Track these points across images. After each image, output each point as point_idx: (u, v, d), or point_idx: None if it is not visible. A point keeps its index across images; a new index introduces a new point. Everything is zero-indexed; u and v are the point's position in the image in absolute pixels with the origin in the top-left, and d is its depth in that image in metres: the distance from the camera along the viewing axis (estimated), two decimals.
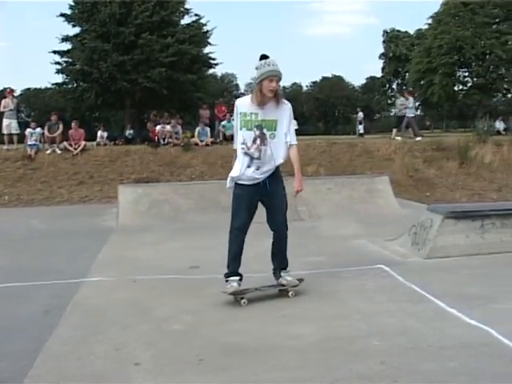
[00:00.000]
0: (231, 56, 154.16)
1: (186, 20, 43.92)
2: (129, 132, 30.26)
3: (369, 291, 7.26)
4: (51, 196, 19.26)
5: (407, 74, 64.70)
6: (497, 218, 9.43)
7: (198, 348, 5.41)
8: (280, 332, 5.79)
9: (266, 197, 7.02)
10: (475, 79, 54.17)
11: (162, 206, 14.11)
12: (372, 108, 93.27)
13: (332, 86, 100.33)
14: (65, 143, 22.49)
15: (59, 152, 22.06)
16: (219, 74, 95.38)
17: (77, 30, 41.24)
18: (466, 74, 56.37)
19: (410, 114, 26.85)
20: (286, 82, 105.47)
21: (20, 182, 20.04)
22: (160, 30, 39.40)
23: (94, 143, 26.51)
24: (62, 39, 41.32)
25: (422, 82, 56.10)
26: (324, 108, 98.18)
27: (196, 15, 43.94)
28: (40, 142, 23.00)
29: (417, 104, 26.61)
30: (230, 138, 24.50)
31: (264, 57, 6.79)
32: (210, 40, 44.10)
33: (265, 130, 6.74)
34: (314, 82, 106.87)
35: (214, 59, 45.59)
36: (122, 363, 5.14)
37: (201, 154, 21.58)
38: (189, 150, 21.97)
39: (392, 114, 25.51)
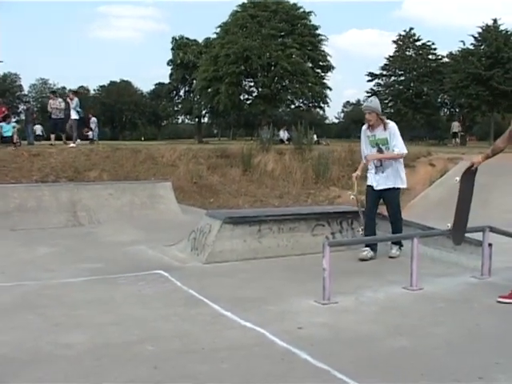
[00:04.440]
0: (15, 56, 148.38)
1: None
2: None
3: (145, 297, 7.19)
4: None
5: (195, 81, 65.46)
6: (273, 224, 9.72)
7: None
8: (51, 341, 5.55)
9: None
10: (260, 89, 55.93)
11: None
12: (159, 114, 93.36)
13: (120, 91, 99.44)
14: None
15: None
16: (1, 74, 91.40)
17: None
18: (252, 83, 58.06)
19: (75, 115, 25.37)
20: (72, 85, 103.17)
21: None
22: None
23: None
24: None
25: (209, 90, 56.99)
26: (111, 113, 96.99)
27: None
28: None
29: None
30: (8, 141, 23.47)
31: (375, 93, 8.95)
32: None
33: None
34: (102, 87, 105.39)
35: None
36: None
37: None
38: None
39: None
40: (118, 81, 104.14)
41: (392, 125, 9.45)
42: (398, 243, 9.67)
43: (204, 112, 70.34)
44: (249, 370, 4.88)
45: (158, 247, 10.28)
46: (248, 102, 58.39)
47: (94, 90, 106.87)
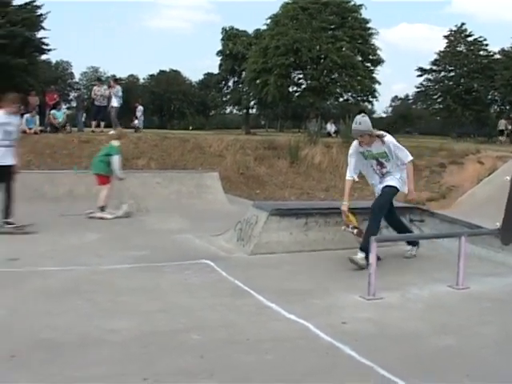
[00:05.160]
0: (67, 44, 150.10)
1: (18, 1, 42.18)
2: None
3: (191, 286, 7.27)
4: None
5: (244, 72, 65.52)
6: (320, 217, 9.71)
7: (11, 343, 5.17)
8: (99, 327, 5.65)
9: None
10: (309, 82, 55.69)
11: None
12: (207, 104, 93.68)
13: (169, 81, 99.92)
14: None
15: None
16: (53, 61, 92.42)
17: None
18: (301, 76, 57.84)
19: (115, 103, 24.98)
20: (122, 73, 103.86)
21: None
22: None
23: None
24: None
25: (257, 82, 56.92)
26: (160, 102, 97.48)
27: None
28: None
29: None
30: (60, 127, 23.74)
31: (362, 111, 9.07)
32: (43, 24, 42.66)
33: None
34: (152, 76, 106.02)
35: (47, 44, 44.17)
36: None
37: (28, 142, 20.70)
38: None
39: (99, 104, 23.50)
40: (168, 70, 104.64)
41: (389, 140, 8.74)
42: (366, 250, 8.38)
43: (252, 103, 70.28)
44: (293, 363, 4.90)
45: (205, 237, 10.33)
46: (296, 94, 58.21)
47: (144, 78, 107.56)
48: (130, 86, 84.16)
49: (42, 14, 42.78)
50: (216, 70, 78.52)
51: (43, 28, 43.19)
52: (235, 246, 9.51)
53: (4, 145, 10.54)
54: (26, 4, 42.11)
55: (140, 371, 4.64)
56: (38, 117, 23.96)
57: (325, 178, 21.04)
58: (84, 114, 37.84)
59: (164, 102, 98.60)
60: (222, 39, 71.92)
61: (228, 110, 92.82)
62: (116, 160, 12.93)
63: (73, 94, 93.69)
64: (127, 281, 7.43)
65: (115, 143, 13.50)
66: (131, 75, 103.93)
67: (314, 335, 5.57)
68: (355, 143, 8.92)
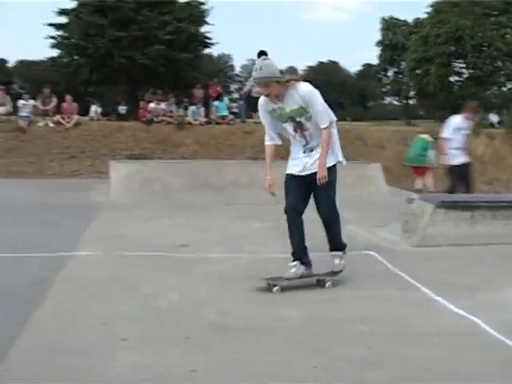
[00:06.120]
0: (228, 37, 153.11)
1: None
2: (122, 108, 29.92)
3: (356, 277, 7.26)
4: (42, 169, 19.22)
5: (403, 62, 64.75)
6: (487, 210, 9.43)
7: (184, 326, 5.40)
8: (267, 314, 5.80)
9: None
10: (471, 71, 54.09)
11: (153, 184, 14.01)
12: (366, 95, 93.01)
13: (327, 72, 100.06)
14: (57, 116, 22.41)
15: (51, 125, 22.00)
16: (215, 55, 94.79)
17: (74, 3, 41.00)
18: (463, 65, 56.28)
19: None
20: (281, 65, 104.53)
21: (11, 153, 19.95)
22: (159, 7, 39.22)
23: (87, 118, 26.34)
24: (59, 12, 41.16)
25: (418, 72, 55.96)
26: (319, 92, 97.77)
27: None
28: (32, 114, 22.82)
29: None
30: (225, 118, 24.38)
31: (262, 53, 6.76)
32: (207, 19, 43.94)
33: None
34: (310, 67, 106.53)
35: (210, 39, 45.53)
36: (108, 339, 5.09)
37: (194, 133, 21.48)
38: (182, 129, 21.89)
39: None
40: (326, 61, 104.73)
41: (306, 89, 6.96)
42: (342, 249, 7.33)
43: (412, 93, 69.18)
44: (462, 358, 4.79)
45: (369, 228, 10.34)
46: (458, 84, 56.66)
47: (302, 70, 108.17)
48: None
49: (205, 10, 44.08)
50: (375, 61, 78.11)
51: (207, 23, 44.48)
52: (399, 237, 9.44)
53: (460, 147, 12.30)
54: (191, 0, 43.54)
55: (308, 359, 4.70)
56: (203, 108, 24.70)
57: (487, 170, 20.37)
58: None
59: (322, 93, 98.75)
60: (382, 29, 71.38)
61: (386, 101, 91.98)
62: (433, 153, 15.47)
63: (233, 86, 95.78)
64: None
65: (429, 138, 15.91)
66: (290, 67, 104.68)
67: (482, 331, 5.42)
68: (261, 100, 6.91)
